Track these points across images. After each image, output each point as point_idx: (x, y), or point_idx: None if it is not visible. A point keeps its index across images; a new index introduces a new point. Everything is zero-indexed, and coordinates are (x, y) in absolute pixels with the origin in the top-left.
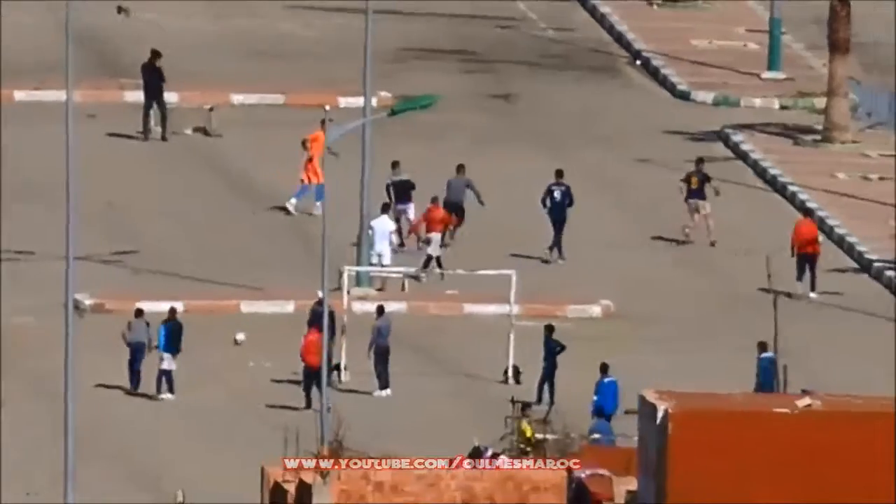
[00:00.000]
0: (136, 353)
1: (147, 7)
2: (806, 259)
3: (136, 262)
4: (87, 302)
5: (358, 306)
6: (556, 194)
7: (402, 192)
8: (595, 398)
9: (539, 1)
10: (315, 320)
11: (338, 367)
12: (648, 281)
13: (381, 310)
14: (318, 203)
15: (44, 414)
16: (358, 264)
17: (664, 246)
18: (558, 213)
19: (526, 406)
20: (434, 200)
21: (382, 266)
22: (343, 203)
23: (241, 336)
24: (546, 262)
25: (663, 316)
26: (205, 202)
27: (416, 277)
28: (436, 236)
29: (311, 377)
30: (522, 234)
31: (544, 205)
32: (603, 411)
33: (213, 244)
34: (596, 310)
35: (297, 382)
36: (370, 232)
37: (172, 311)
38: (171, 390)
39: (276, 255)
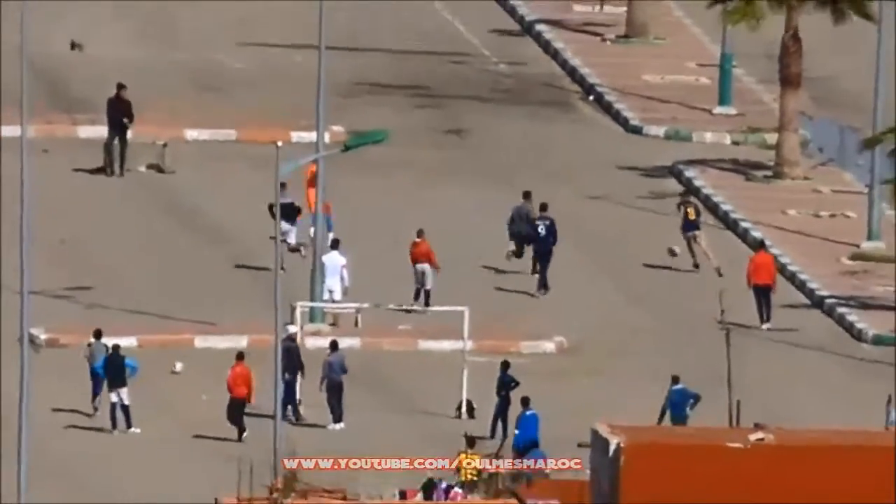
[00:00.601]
0: (97, 378)
1: (98, 41)
2: (760, 291)
3: (90, 297)
4: (42, 336)
5: (311, 342)
6: (541, 228)
7: (287, 213)
8: (517, 432)
9: (491, 35)
10: (286, 356)
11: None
12: (603, 316)
13: (334, 345)
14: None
15: None
16: (311, 300)
17: (618, 280)
18: (543, 246)
19: (471, 442)
20: (420, 234)
21: (334, 301)
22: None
23: (178, 366)
24: (533, 295)
25: (618, 351)
26: (159, 238)
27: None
28: (421, 267)
29: (238, 409)
30: (476, 266)
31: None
32: (529, 443)
33: (168, 279)
34: (550, 346)
35: (249, 415)
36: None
37: (115, 346)
38: (128, 424)
39: (230, 290)
